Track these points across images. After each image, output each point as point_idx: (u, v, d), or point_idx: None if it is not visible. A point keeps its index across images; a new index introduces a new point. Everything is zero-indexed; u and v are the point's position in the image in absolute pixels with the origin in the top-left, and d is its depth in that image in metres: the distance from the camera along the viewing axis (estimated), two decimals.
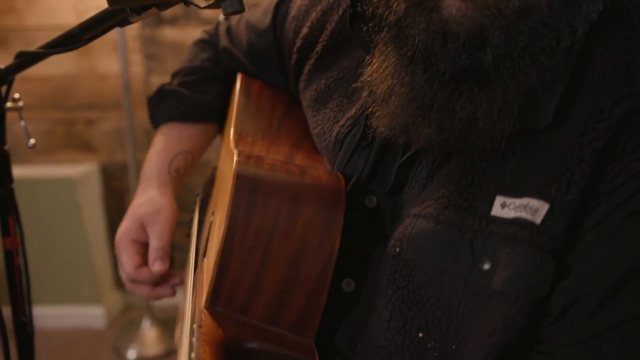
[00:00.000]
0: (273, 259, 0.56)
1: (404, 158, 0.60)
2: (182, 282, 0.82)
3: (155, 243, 0.79)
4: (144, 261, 0.80)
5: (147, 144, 0.97)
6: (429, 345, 0.57)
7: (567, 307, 0.50)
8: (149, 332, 2.22)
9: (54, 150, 2.29)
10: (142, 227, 0.81)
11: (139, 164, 2.13)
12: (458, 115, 0.52)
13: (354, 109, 0.67)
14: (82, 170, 2.18)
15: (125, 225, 0.81)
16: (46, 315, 2.18)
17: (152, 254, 0.79)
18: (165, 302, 2.39)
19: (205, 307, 0.57)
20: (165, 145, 0.89)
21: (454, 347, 0.56)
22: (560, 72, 0.52)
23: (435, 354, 0.57)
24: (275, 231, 0.56)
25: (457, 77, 0.51)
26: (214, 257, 0.59)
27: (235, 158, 0.58)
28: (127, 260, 0.80)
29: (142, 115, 2.16)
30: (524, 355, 0.55)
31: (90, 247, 2.23)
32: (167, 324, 2.27)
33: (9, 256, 0.91)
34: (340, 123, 0.68)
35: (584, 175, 0.50)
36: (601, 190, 0.49)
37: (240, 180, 0.56)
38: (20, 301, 0.93)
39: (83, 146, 2.29)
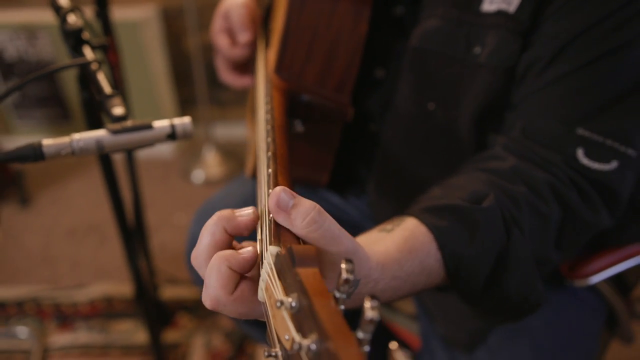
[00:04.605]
0: (320, 37, 0.79)
1: None
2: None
3: (237, 22, 0.97)
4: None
5: None
6: (438, 114, 0.79)
7: (525, 71, 0.69)
8: (212, 158, 2.54)
9: None
10: (227, 18, 0.99)
11: (197, 6, 2.27)
12: None
13: None
14: (143, 14, 2.37)
15: (216, 22, 1.00)
16: None
17: (236, 29, 0.97)
18: (224, 133, 2.69)
19: (274, 72, 0.81)
20: None
21: (454, 113, 0.78)
22: None
23: (441, 120, 0.79)
24: (321, 18, 0.78)
25: None
26: (277, 42, 0.82)
27: None
28: (223, 41, 0.99)
29: None
30: (502, 117, 0.75)
31: (154, 85, 2.49)
32: (227, 152, 2.58)
33: (112, 69, 1.15)
34: None
35: None
36: None
37: None
38: None
39: None
